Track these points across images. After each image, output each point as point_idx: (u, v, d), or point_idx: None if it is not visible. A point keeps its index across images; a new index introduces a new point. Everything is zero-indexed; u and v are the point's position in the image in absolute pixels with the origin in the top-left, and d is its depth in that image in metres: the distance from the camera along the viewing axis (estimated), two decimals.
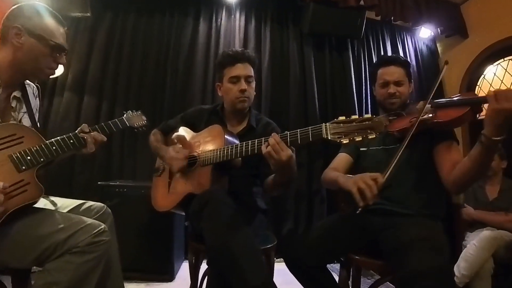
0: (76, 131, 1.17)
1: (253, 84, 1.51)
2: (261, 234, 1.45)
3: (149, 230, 2.05)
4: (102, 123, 1.26)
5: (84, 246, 1.00)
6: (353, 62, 3.31)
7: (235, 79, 1.47)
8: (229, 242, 1.07)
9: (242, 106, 1.50)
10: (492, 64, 3.29)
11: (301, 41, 3.19)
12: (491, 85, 3.31)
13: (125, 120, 1.36)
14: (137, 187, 2.11)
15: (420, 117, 1.22)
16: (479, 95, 1.35)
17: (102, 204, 1.31)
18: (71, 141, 1.14)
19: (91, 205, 1.28)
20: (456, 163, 1.21)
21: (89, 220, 1.07)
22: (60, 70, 2.41)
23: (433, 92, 1.29)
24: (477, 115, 1.20)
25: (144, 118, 1.49)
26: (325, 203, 2.94)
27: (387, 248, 1.19)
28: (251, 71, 1.50)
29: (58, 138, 1.12)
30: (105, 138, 1.22)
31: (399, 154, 1.18)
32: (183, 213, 1.50)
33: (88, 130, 1.19)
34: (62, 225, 1.02)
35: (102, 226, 1.06)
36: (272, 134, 1.10)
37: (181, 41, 2.88)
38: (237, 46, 2.94)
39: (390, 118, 1.38)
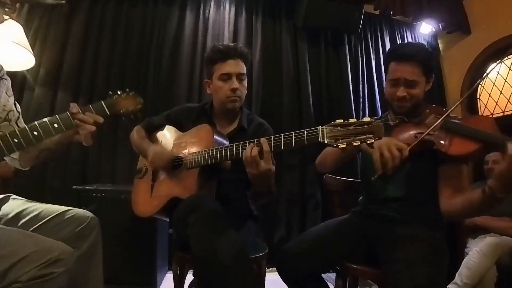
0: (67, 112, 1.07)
1: (245, 82, 1.52)
2: (251, 242, 1.45)
3: (129, 238, 2.03)
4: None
5: (26, 282, 0.81)
6: (350, 59, 3.34)
7: (226, 77, 1.47)
8: (217, 251, 1.07)
9: (233, 106, 1.49)
10: (495, 62, 3.36)
11: (294, 35, 3.21)
12: (494, 84, 3.39)
13: (105, 105, 1.15)
14: (117, 191, 2.09)
15: (424, 137, 1.18)
16: (487, 118, 1.29)
17: (88, 214, 1.23)
18: (55, 125, 1.02)
19: (75, 214, 1.21)
20: (461, 190, 1.20)
21: (43, 243, 0.89)
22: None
23: (447, 113, 1.21)
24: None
25: (139, 100, 1.22)
26: (320, 208, 2.96)
27: (384, 258, 1.21)
28: (243, 68, 1.49)
29: (36, 122, 1.02)
30: (101, 119, 1.09)
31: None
32: (167, 220, 1.49)
33: (77, 111, 1.06)
34: (2, 251, 0.83)
35: (56, 254, 0.86)
36: (262, 140, 1.11)
37: (166, 33, 2.87)
38: (226, 40, 2.94)
39: (393, 123, 1.34)
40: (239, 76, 1.48)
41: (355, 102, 3.26)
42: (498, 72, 3.37)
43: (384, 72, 1.48)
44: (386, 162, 1.09)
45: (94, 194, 2.08)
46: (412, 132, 1.27)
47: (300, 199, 2.97)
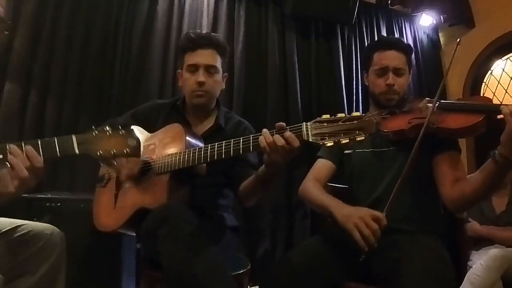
0: None
1: (218, 76, 1.51)
2: (231, 257, 1.45)
3: (90, 255, 1.98)
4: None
5: None
6: (343, 52, 3.38)
7: (194, 68, 1.48)
8: (192, 267, 1.06)
9: (198, 102, 1.50)
10: (501, 58, 3.46)
11: (282, 24, 3.22)
12: (499, 82, 3.49)
13: (75, 144, 0.98)
14: (75, 201, 2.04)
15: (422, 120, 1.24)
16: (484, 96, 1.40)
17: (48, 230, 1.15)
18: None
19: (30, 231, 1.12)
20: (459, 178, 1.26)
21: None
22: None
23: (440, 89, 1.31)
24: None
25: (130, 143, 1.03)
26: (309, 218, 2.97)
27: (385, 274, 1.22)
28: (215, 60, 1.50)
29: None
30: (40, 163, 0.92)
31: (401, 180, 1.21)
32: (134, 234, 1.49)
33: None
34: None
35: None
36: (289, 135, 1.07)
37: (135, 19, 2.82)
38: (205, 28, 2.92)
39: (383, 115, 1.41)
40: (208, 69, 1.48)
41: (347, 99, 3.30)
42: (503, 69, 3.47)
43: (365, 67, 1.58)
44: (367, 240, 1.14)
45: (48, 204, 2.01)
46: (404, 119, 1.34)
47: (287, 208, 2.98)
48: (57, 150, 0.96)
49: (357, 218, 1.17)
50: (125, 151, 1.01)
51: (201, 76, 1.47)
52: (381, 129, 1.37)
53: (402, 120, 1.35)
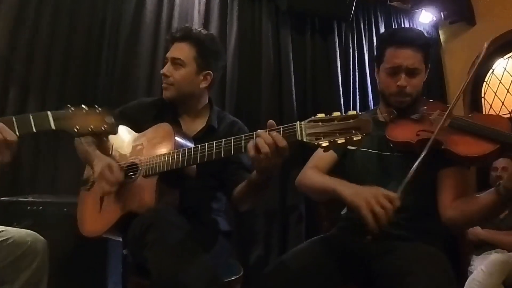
0: None
1: (184, 70, 1.50)
2: (223, 263, 1.45)
3: (74, 262, 1.96)
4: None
5: None
6: (340, 49, 3.39)
7: (167, 61, 1.53)
8: (181, 275, 1.06)
9: (164, 95, 1.53)
10: (503, 57, 3.49)
11: (277, 20, 3.22)
12: (500, 81, 3.52)
13: (51, 119, 1.03)
14: (58, 204, 2.02)
15: (433, 137, 1.20)
16: (500, 116, 1.36)
17: (29, 237, 1.14)
18: None
19: (9, 237, 1.11)
20: (461, 195, 1.25)
21: None
22: None
23: (454, 103, 1.26)
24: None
25: (108, 120, 1.11)
26: (303, 222, 2.97)
27: (382, 281, 1.23)
28: (182, 52, 1.50)
29: None
30: (13, 136, 0.97)
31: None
32: (120, 239, 1.48)
33: None
34: None
35: None
36: (261, 132, 1.08)
37: (123, 13, 2.80)
38: (196, 24, 2.91)
39: (392, 116, 1.37)
40: (173, 61, 1.50)
41: (344, 98, 3.31)
42: (505, 68, 3.50)
43: (376, 60, 1.49)
44: (379, 219, 1.09)
45: (29, 208, 1.99)
46: (412, 129, 1.29)
47: (281, 211, 2.97)
48: (33, 125, 1.00)
49: (369, 194, 1.13)
50: (102, 127, 1.07)
51: (164, 68, 1.51)
52: (386, 135, 1.34)
53: (410, 130, 1.30)
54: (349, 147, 1.50)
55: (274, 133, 1.05)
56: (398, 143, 1.32)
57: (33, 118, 1.01)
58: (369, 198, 1.12)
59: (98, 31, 2.75)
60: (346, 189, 1.25)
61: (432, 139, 1.18)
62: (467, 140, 1.19)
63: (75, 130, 1.05)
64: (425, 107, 1.36)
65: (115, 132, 1.13)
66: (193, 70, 1.52)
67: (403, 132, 1.31)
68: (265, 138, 1.05)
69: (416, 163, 1.17)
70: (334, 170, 1.53)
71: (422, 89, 1.42)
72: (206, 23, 2.96)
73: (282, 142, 1.04)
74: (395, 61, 1.37)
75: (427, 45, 1.42)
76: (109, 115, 1.11)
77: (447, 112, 1.24)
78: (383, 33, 2.72)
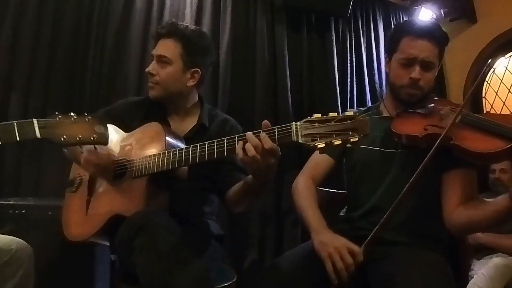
0: None
1: (170, 68, 1.50)
2: (216, 269, 1.45)
3: (59, 267, 1.95)
4: None
5: None
6: (337, 46, 3.40)
7: (152, 59, 1.53)
8: (172, 281, 1.06)
9: (151, 95, 1.54)
10: (504, 56, 3.52)
11: (272, 16, 3.23)
12: (501, 81, 3.55)
13: (37, 128, 1.00)
14: (42, 207, 2.01)
15: (445, 132, 1.18)
16: (486, 97, 1.37)
17: (14, 245, 1.13)
18: None
19: None
20: (467, 199, 1.25)
21: None
22: None
23: (467, 98, 1.32)
24: None
25: (98, 130, 1.09)
26: (299, 226, 2.97)
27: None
28: (167, 50, 1.49)
29: None
30: None
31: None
32: (108, 244, 1.48)
33: None
34: None
35: None
36: (248, 134, 1.09)
37: (111, 5, 2.79)
38: (188, 20, 2.90)
39: (398, 112, 1.37)
40: (159, 58, 1.50)
41: (341, 98, 3.32)
42: (506, 68, 3.53)
43: (389, 51, 1.48)
44: (338, 273, 1.15)
45: (11, 211, 1.97)
46: (420, 123, 1.28)
47: (276, 214, 2.98)
48: (16, 134, 0.97)
49: (332, 248, 1.19)
50: (92, 137, 1.05)
51: (150, 66, 1.51)
52: (392, 128, 1.33)
53: (418, 124, 1.29)
54: (348, 145, 1.50)
55: (263, 135, 1.06)
56: (403, 137, 1.30)
57: (17, 126, 0.99)
58: (332, 251, 1.18)
59: (85, 27, 2.73)
60: (316, 236, 1.29)
61: (444, 135, 1.16)
62: (478, 136, 1.18)
63: (62, 139, 1.02)
64: (434, 103, 1.35)
65: (105, 142, 1.11)
66: (180, 68, 1.51)
67: (410, 126, 1.30)
68: (251, 141, 1.06)
69: (426, 159, 1.16)
70: (332, 174, 1.55)
71: (434, 86, 1.42)
72: (198, 18, 2.96)
73: (268, 144, 1.04)
74: (411, 51, 1.35)
75: (445, 40, 1.42)
76: (99, 124, 1.08)
77: (461, 106, 1.22)
78: (399, 22, 2.68)
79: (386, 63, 1.49)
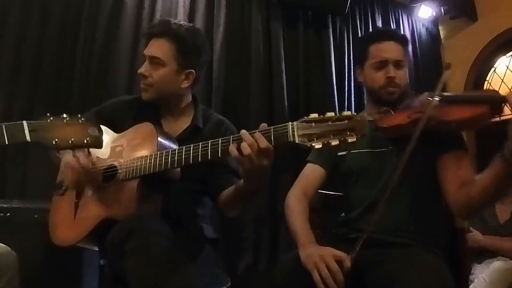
0: None
1: (164, 70, 1.48)
2: (209, 274, 1.45)
3: (46, 273, 1.94)
4: None
5: None
6: (334, 44, 3.41)
7: (144, 60, 1.51)
8: (163, 286, 1.06)
9: (144, 97, 1.53)
10: (505, 55, 3.55)
11: (267, 13, 3.23)
12: (502, 80, 3.58)
13: (27, 130, 0.98)
14: (28, 210, 2.00)
15: (427, 114, 1.26)
16: (491, 89, 1.48)
17: None
18: None
19: None
20: (466, 180, 1.28)
21: None
22: None
23: (441, 81, 1.37)
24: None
25: (91, 132, 1.06)
26: None
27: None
28: (160, 51, 1.48)
29: None
30: None
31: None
32: (97, 248, 1.47)
33: None
34: None
35: None
36: (243, 133, 1.10)
37: (101, 2, 2.77)
38: (181, 16, 2.90)
39: (381, 112, 1.46)
40: (151, 60, 1.49)
41: (339, 97, 3.34)
42: (507, 67, 3.56)
43: (360, 61, 1.61)
44: (326, 282, 1.16)
45: None
46: (403, 115, 1.37)
47: (271, 217, 2.98)
48: (5, 137, 0.95)
49: (318, 257, 1.21)
50: (85, 140, 1.02)
51: (142, 68, 1.50)
52: (379, 125, 1.41)
53: (401, 116, 1.38)
54: (338, 154, 1.55)
55: (258, 135, 1.07)
56: (389, 129, 1.39)
57: (6, 129, 0.97)
58: (317, 260, 1.20)
59: (73, 23, 2.71)
60: (303, 250, 1.31)
61: (427, 115, 1.25)
62: (458, 108, 1.28)
63: (54, 143, 1.00)
64: (412, 99, 1.47)
65: (99, 145, 1.09)
66: (174, 69, 1.50)
67: (395, 119, 1.40)
68: (246, 139, 1.07)
69: (411, 144, 1.23)
70: (327, 184, 1.61)
71: (408, 84, 1.56)
72: (191, 16, 2.96)
73: (264, 144, 1.05)
74: (382, 54, 1.50)
75: (406, 41, 1.61)
76: (93, 126, 1.05)
77: (437, 87, 1.34)
78: (362, 35, 3.15)
79: (359, 74, 1.63)
